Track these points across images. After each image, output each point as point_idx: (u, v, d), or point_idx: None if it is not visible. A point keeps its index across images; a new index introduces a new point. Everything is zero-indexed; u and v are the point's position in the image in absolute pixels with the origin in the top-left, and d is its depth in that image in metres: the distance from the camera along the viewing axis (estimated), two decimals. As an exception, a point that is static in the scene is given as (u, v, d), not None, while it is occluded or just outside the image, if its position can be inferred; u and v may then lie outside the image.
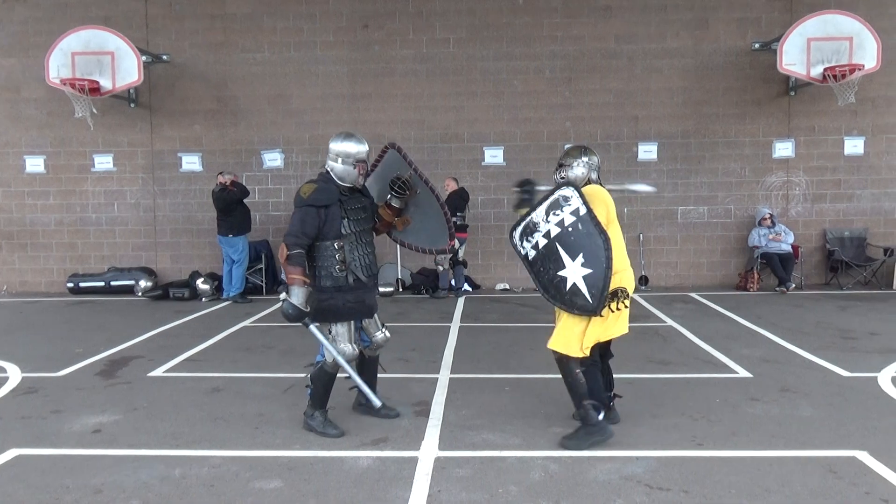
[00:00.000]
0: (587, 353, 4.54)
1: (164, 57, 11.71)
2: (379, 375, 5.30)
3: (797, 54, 10.53)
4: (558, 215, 4.37)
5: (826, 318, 8.92)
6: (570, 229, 4.35)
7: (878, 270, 11.50)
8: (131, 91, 11.65)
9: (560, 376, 4.64)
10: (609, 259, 4.34)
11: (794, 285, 11.21)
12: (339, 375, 5.18)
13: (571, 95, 11.89)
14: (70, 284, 11.80)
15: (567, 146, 5.01)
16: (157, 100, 12.06)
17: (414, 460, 4.37)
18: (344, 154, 4.75)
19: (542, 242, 4.41)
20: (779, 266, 11.14)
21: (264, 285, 11.51)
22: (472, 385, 6.03)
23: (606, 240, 4.36)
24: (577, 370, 4.52)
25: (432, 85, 11.93)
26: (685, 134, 11.82)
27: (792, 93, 11.67)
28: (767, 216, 11.32)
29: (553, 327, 4.69)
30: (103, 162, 12.14)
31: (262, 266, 11.52)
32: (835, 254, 11.54)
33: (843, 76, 10.35)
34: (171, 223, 12.23)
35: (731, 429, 4.87)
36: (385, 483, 4.05)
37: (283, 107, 12.05)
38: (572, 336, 4.48)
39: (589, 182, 4.72)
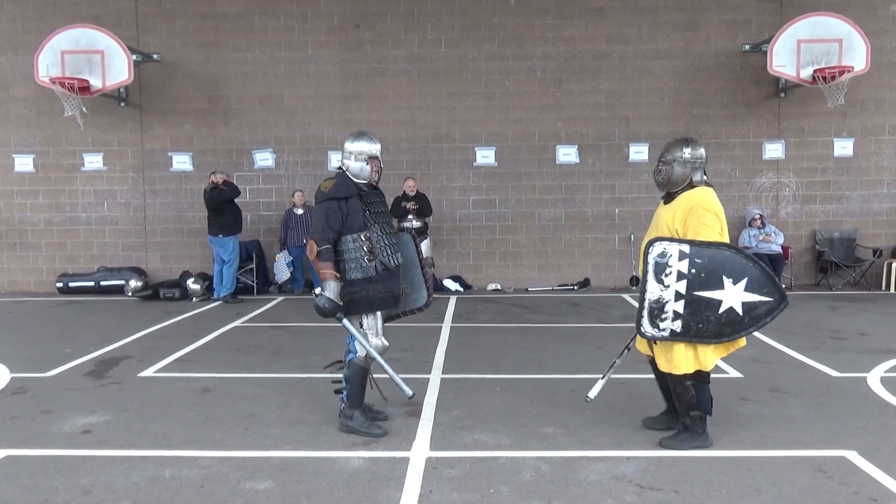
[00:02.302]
0: (712, 367, 4.47)
1: (155, 56, 11.66)
2: (374, 376, 5.28)
3: (787, 56, 10.58)
4: (671, 273, 4.17)
5: (816, 318, 8.97)
6: (693, 271, 4.16)
7: (867, 271, 11.57)
8: (121, 90, 11.60)
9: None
10: (745, 253, 4.29)
11: (783, 286, 11.25)
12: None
13: (563, 96, 11.91)
14: (59, 284, 11.74)
15: (671, 140, 4.61)
16: (147, 99, 12.01)
17: (405, 461, 4.37)
18: (357, 152, 4.84)
19: (681, 306, 4.18)
20: (769, 267, 11.16)
21: (255, 285, 11.48)
22: (463, 385, 6.03)
23: (728, 245, 4.26)
24: (688, 382, 4.45)
25: (424, 85, 11.93)
26: (676, 135, 11.80)
27: (782, 94, 11.74)
28: (757, 217, 11.37)
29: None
30: (93, 161, 12.08)
31: (253, 266, 11.49)
32: (824, 254, 11.61)
33: (833, 78, 10.42)
34: (161, 223, 12.18)
35: (722, 429, 4.87)
36: (376, 483, 4.05)
37: (274, 106, 12.02)
38: (694, 354, 4.37)
39: (691, 184, 4.45)
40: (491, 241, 12.10)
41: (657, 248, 4.20)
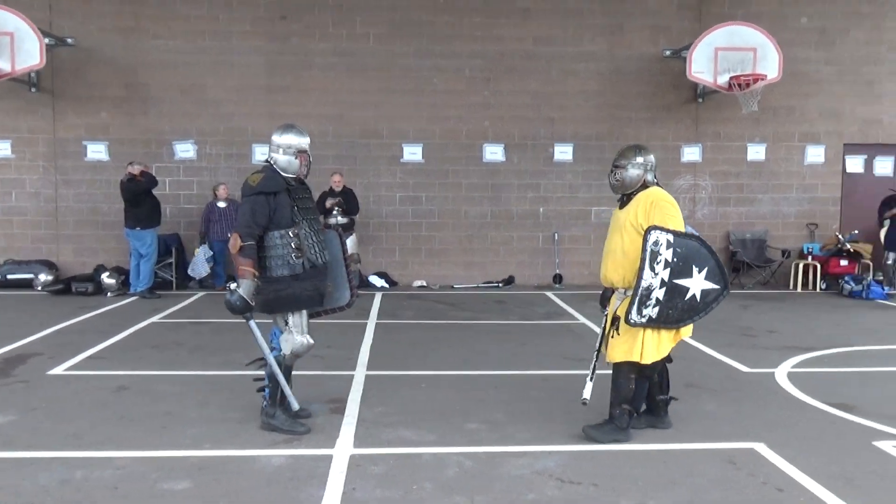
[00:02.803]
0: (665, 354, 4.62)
1: (69, 40, 11.15)
2: (294, 372, 5.21)
3: (705, 63, 10.96)
4: (660, 261, 4.28)
5: (729, 316, 9.29)
6: (675, 260, 4.32)
7: (776, 271, 12.12)
8: (32, 75, 11.05)
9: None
10: (706, 244, 4.49)
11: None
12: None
13: (490, 95, 12.00)
14: (-38, 277, 11.13)
15: (626, 147, 5.02)
16: (60, 85, 11.48)
17: (328, 458, 4.33)
18: (285, 145, 4.75)
19: (662, 293, 4.31)
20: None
21: (174, 280, 11.15)
22: (388, 382, 6.02)
23: (695, 236, 4.51)
24: (633, 376, 4.56)
25: (351, 80, 11.82)
26: (599, 136, 12.11)
27: (700, 100, 12.14)
28: (676, 218, 11.73)
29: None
30: (0, 149, 11.49)
31: (172, 260, 11.16)
32: (737, 255, 12.09)
33: (748, 85, 10.84)
34: (74, 214, 11.68)
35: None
36: (298, 482, 4.00)
37: (196, 97, 11.69)
38: (658, 343, 4.52)
39: (645, 185, 4.70)
40: (417, 237, 12.10)
41: (653, 237, 4.31)
